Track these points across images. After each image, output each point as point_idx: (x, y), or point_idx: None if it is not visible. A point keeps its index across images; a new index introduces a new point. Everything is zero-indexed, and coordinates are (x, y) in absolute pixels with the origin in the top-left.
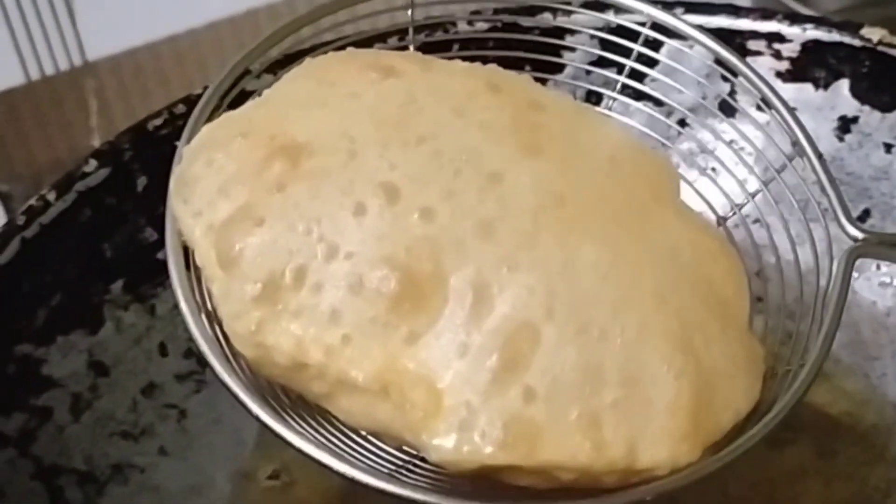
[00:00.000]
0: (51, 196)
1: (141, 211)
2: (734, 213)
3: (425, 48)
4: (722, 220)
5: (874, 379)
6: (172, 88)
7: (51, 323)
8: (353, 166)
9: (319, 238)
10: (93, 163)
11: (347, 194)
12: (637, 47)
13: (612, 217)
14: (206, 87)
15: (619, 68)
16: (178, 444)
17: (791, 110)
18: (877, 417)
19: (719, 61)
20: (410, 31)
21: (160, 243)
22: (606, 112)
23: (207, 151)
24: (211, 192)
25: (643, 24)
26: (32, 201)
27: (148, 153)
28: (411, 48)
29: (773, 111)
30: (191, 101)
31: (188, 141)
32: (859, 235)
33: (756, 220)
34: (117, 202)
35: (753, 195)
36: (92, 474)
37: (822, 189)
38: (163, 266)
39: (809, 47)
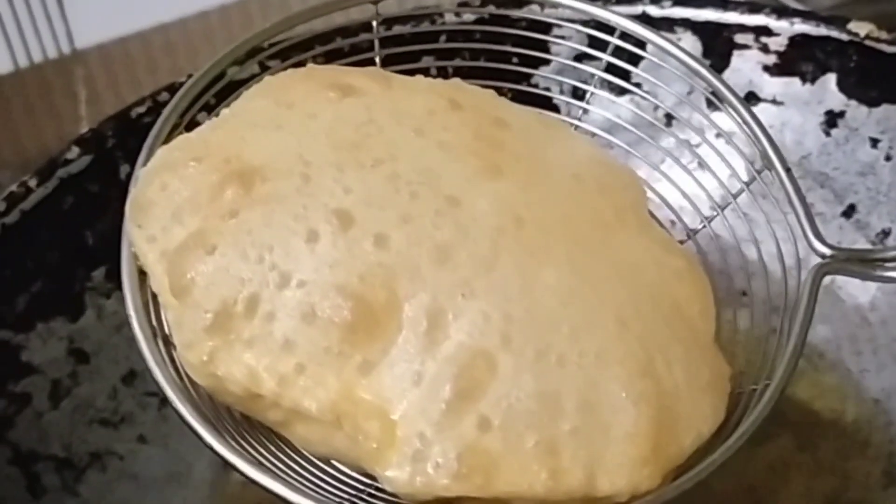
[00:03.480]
0: (32, 182)
1: (124, 199)
2: (704, 227)
3: (413, 38)
4: (692, 233)
5: (856, 374)
6: (161, 77)
7: (31, 309)
8: (306, 191)
9: (272, 266)
10: (75, 150)
11: (300, 220)
12: (622, 43)
13: (573, 238)
14: (189, 76)
15: (605, 63)
16: (158, 433)
17: (758, 120)
18: (858, 412)
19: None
20: (376, 42)
21: None
22: (576, 122)
23: (162, 175)
24: (165, 217)
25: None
26: (13, 187)
27: (131, 141)
28: (377, 60)
29: (742, 122)
30: (175, 90)
31: (145, 162)
32: (827, 252)
33: (739, 217)
34: (100, 189)
35: (723, 208)
36: (70, 461)
37: (790, 203)
38: None
39: (797, 41)
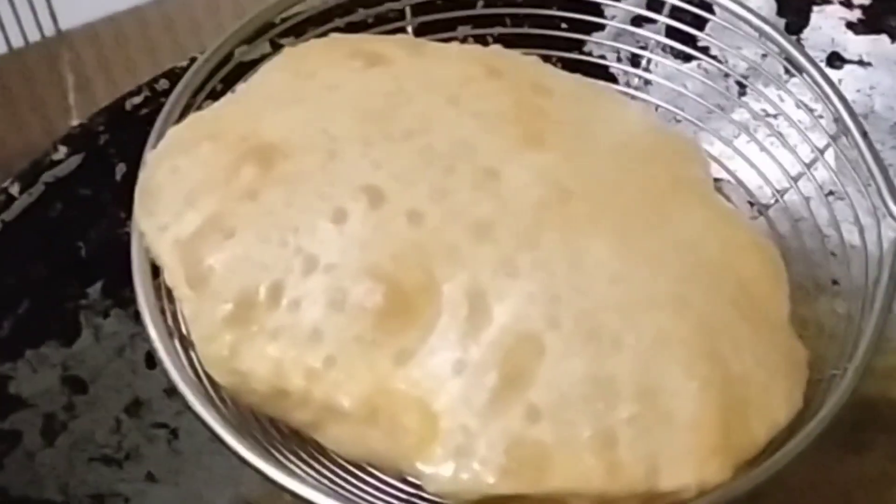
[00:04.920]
0: (14, 189)
1: (120, 203)
2: (776, 201)
3: (447, 4)
4: (763, 209)
5: None
6: (161, 58)
7: (18, 334)
8: (332, 168)
9: (296, 250)
10: (62, 149)
11: (326, 199)
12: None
13: (624, 210)
14: (192, 59)
15: (667, 27)
16: (168, 469)
17: (829, 80)
18: None
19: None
20: (407, 11)
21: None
22: (630, 91)
23: (172, 157)
24: (177, 202)
25: None
26: None
27: (126, 136)
28: (409, 30)
29: (813, 84)
30: (175, 75)
31: (154, 146)
32: None
33: (814, 188)
34: (93, 193)
35: (796, 180)
36: None
37: (868, 170)
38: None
39: None
